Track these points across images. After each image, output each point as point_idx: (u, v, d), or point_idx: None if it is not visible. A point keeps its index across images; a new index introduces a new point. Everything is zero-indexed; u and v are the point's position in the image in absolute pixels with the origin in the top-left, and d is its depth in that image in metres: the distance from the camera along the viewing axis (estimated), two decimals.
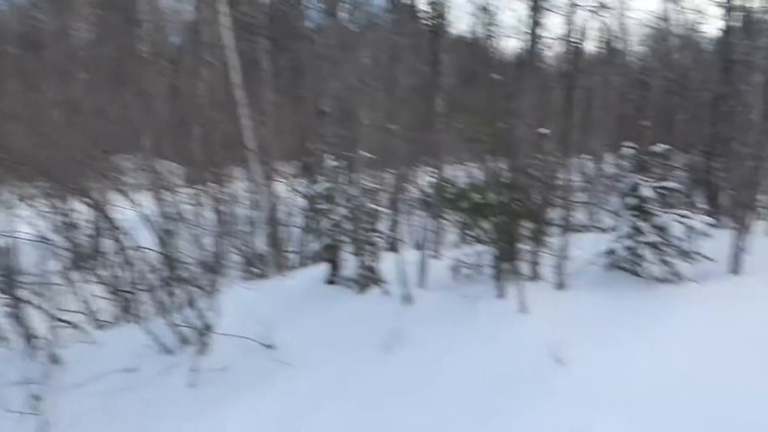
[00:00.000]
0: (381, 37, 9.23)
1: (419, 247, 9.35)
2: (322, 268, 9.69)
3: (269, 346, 6.98)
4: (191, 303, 8.17)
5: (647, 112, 13.94)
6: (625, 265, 7.48)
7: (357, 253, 8.27)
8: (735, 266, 7.70)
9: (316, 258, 12.43)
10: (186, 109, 17.04)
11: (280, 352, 6.82)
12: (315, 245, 10.19)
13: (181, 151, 18.91)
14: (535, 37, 9.85)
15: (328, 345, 6.98)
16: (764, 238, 9.91)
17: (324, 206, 8.75)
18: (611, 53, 19.83)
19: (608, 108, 16.18)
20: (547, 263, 7.62)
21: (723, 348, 5.30)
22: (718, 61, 13.29)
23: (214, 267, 11.10)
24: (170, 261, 8.93)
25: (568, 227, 7.96)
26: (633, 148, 8.00)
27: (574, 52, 10.66)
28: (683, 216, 7.42)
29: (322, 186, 9.00)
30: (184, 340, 7.44)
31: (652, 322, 5.99)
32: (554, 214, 8.12)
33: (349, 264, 8.75)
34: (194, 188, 15.84)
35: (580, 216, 13.77)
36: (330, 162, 8.97)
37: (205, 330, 7.39)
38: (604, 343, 5.68)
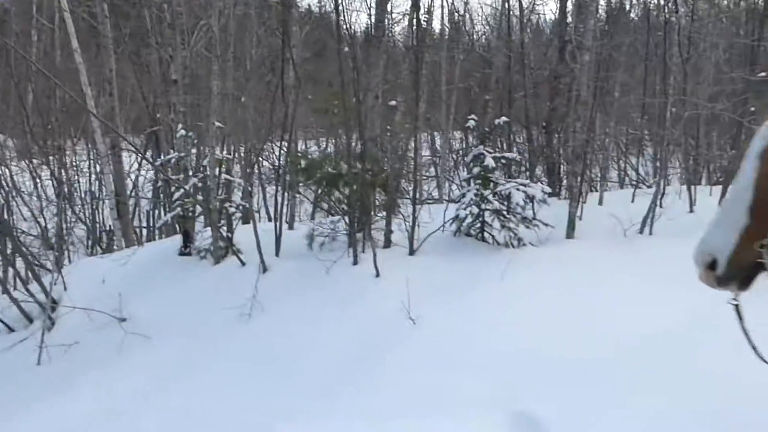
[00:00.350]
0: (230, 6, 9.06)
1: (274, 217, 9.42)
2: (175, 240, 9.54)
3: (122, 319, 6.85)
4: (35, 278, 7.83)
5: (490, 88, 14.69)
6: (471, 231, 7.94)
7: (210, 224, 8.21)
8: (570, 232, 8.39)
9: (168, 230, 12.18)
10: (17, 76, 15.93)
11: (134, 325, 6.71)
12: (166, 217, 9.95)
13: (13, 122, 17.74)
14: (382, 12, 10.12)
15: (185, 316, 6.95)
16: (596, 207, 10.87)
17: (175, 177, 8.60)
18: (456, 31, 20.62)
19: (454, 83, 16.85)
20: (399, 231, 7.93)
21: (556, 302, 5.82)
22: (555, 41, 14.23)
23: (56, 242, 10.62)
24: (5, 236, 8.48)
25: (419, 197, 8.32)
26: (476, 120, 8.47)
27: (419, 28, 11.04)
28: (523, 185, 7.97)
29: (172, 157, 8.84)
30: (28, 317, 7.13)
31: (495, 283, 6.44)
32: (405, 184, 8.46)
33: (203, 235, 8.68)
34: (31, 161, 14.98)
35: (431, 188, 14.37)
36: (181, 132, 8.81)
37: (51, 305, 7.12)
38: (452, 304, 6.04)
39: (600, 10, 13.02)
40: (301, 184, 8.46)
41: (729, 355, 3.77)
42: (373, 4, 10.91)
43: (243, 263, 7.83)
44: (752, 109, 10.48)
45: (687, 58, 10.30)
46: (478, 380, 4.54)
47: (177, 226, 9.37)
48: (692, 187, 10.52)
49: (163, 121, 11.39)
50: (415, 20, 10.06)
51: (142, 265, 8.65)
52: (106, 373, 6.00)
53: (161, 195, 11.02)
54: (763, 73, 10.19)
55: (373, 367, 5.11)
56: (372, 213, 8.04)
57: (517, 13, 16.29)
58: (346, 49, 8.72)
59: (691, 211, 9.90)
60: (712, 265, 2.23)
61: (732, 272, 2.23)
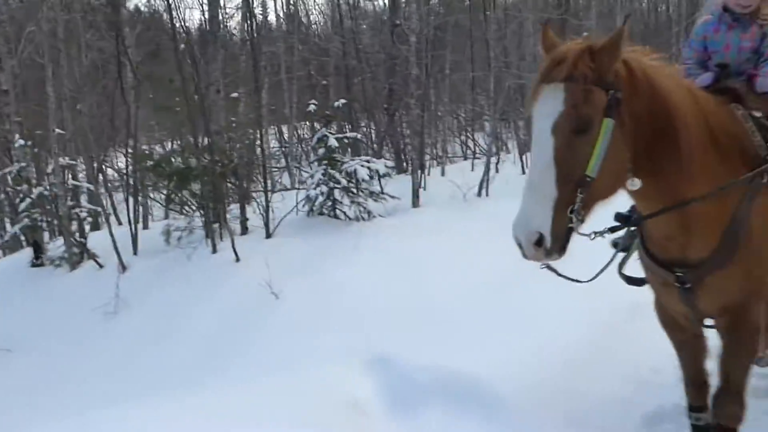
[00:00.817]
0: (56, 11, 8.88)
1: (128, 218, 9.41)
2: (23, 254, 9.34)
3: None
4: None
5: (329, 75, 15.13)
6: (324, 210, 8.38)
7: (62, 232, 8.16)
8: (415, 201, 9.03)
9: (15, 246, 11.76)
10: None
11: None
12: (12, 230, 9.66)
13: None
14: (216, 8, 10.31)
15: (47, 324, 6.93)
16: (439, 178, 11.65)
17: (18, 188, 8.46)
18: (291, 21, 20.90)
19: (293, 73, 17.15)
20: (255, 218, 8.23)
21: (404, 262, 6.37)
22: (388, 25, 14.86)
23: None
24: None
25: (271, 184, 8.65)
26: (316, 105, 8.90)
27: (254, 21, 11.26)
28: (367, 161, 8.50)
29: (12, 168, 8.67)
30: None
31: (349, 253, 6.90)
32: (257, 173, 8.74)
33: (55, 244, 8.59)
34: None
35: (283, 178, 14.66)
36: (19, 142, 8.65)
37: None
38: (311, 276, 6.45)
39: None
40: (150, 185, 8.53)
41: (550, 295, 4.48)
42: (206, 0, 10.98)
43: (101, 266, 7.87)
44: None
45: (503, 34, 11.21)
46: (338, 336, 4.98)
47: (24, 238, 9.16)
48: (525, 153, 11.53)
49: None
50: (248, 13, 10.22)
51: None
52: None
53: (7, 208, 10.58)
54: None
55: (241, 339, 5.44)
56: (226, 203, 8.29)
57: (350, 0, 16.86)
58: (183, 46, 8.80)
59: (524, 173, 10.85)
60: (539, 242, 2.34)
61: (556, 243, 2.37)
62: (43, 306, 7.30)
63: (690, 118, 2.75)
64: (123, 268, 7.48)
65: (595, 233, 2.55)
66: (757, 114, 3.17)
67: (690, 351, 3.31)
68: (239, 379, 4.55)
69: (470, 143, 17.37)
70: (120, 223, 12.11)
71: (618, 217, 3.23)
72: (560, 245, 2.38)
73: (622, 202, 2.90)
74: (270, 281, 6.14)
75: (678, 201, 2.74)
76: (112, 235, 7.63)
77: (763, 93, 3.34)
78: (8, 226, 10.99)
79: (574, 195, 2.38)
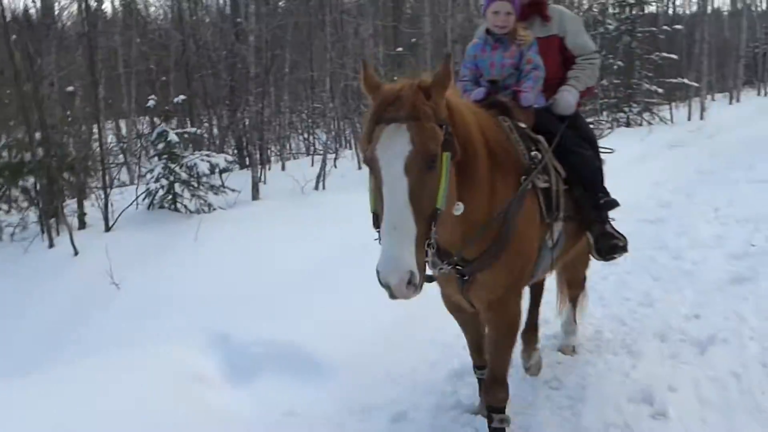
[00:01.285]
0: None
1: None
2: None
3: None
4: None
5: (169, 70, 15.04)
6: (164, 203, 8.55)
7: None
8: (255, 194, 9.39)
9: None
10: None
11: None
12: None
13: None
14: None
15: None
16: (279, 172, 12.07)
17: None
18: (129, 14, 20.45)
19: (132, 67, 16.87)
20: (93, 212, 8.26)
21: (242, 250, 6.75)
22: (229, 23, 15.04)
23: None
24: None
25: (109, 179, 8.68)
26: (155, 99, 9.04)
27: (89, 13, 11.08)
28: (207, 156, 8.77)
29: None
30: None
31: (189, 244, 7.17)
32: (94, 167, 8.73)
33: None
34: None
35: (121, 173, 14.46)
36: None
37: None
38: (152, 266, 6.66)
39: None
40: None
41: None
42: None
43: None
44: (395, 78, 12.38)
45: (338, 37, 11.78)
46: (179, 319, 5.27)
47: None
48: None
49: None
50: (84, 4, 10.03)
51: None
52: None
53: None
54: (400, 49, 12.07)
55: (82, 325, 5.60)
56: (63, 197, 8.25)
57: None
58: (14, 37, 8.61)
59: (360, 168, 11.49)
60: (410, 281, 2.43)
61: (421, 278, 2.50)
62: None
63: (479, 145, 2.98)
64: None
65: (440, 269, 2.91)
66: (522, 125, 3.55)
67: (470, 327, 3.77)
68: (79, 357, 4.74)
69: (312, 140, 17.90)
70: None
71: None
72: (424, 279, 2.54)
73: None
74: (111, 272, 6.30)
75: (472, 219, 2.96)
76: None
77: (527, 106, 3.72)
78: None
79: (429, 229, 2.54)
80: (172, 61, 14.57)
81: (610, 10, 20.34)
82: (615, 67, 18.98)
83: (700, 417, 3.77)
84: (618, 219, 4.07)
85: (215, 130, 15.23)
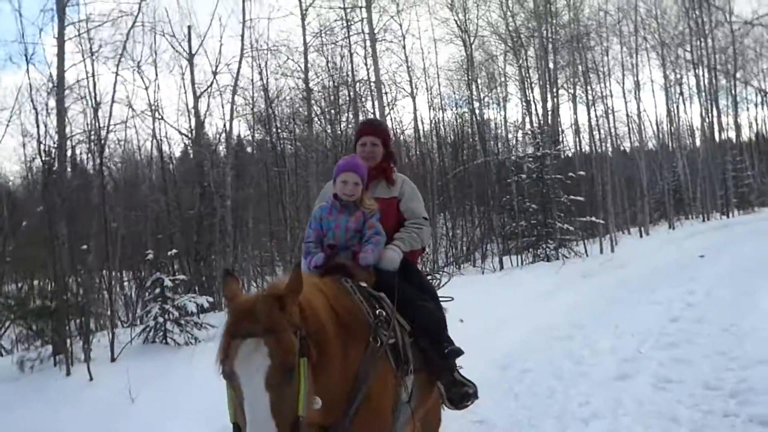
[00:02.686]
0: None
1: None
2: None
3: None
4: None
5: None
6: (156, 338, 9.90)
7: None
8: None
9: None
10: None
11: None
12: None
13: None
14: None
15: None
16: None
17: None
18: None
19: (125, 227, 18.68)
20: (95, 346, 9.54)
21: None
22: (194, 187, 16.81)
23: None
24: None
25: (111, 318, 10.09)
26: (152, 253, 10.60)
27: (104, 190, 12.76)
28: (194, 298, 10.25)
29: None
30: None
31: (186, 367, 8.48)
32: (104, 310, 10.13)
33: None
34: None
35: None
36: None
37: None
38: (158, 387, 7.96)
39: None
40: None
41: None
42: None
43: None
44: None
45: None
46: (188, 421, 6.62)
47: None
48: None
49: None
50: (100, 182, 11.68)
51: None
52: None
53: None
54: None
55: None
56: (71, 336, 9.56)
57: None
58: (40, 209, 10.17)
59: None
60: None
61: None
62: None
63: (329, 326, 3.01)
64: None
65: None
66: (363, 284, 3.63)
67: None
68: None
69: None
70: None
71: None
72: None
73: None
74: (129, 387, 7.51)
75: (331, 396, 2.94)
76: None
77: (366, 266, 3.88)
78: None
79: None
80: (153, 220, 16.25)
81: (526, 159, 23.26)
82: (530, 209, 21.58)
83: None
84: (535, 337, 5.35)
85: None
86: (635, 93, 35.90)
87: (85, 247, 9.66)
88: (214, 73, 17.67)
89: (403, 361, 3.49)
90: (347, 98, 24.75)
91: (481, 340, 9.93)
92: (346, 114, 25.32)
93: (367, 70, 24.19)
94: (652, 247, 23.98)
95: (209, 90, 17.57)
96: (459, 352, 3.96)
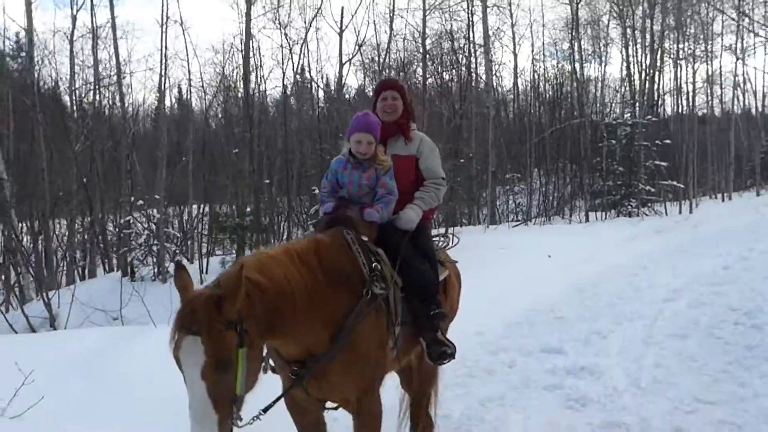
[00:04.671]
0: None
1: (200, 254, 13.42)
2: (112, 273, 13.40)
3: None
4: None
5: None
6: None
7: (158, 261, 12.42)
8: None
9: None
10: None
11: None
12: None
13: None
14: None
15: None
16: None
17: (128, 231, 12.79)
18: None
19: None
20: None
21: None
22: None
23: None
24: None
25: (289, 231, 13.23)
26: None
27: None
28: None
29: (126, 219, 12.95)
30: None
31: None
32: None
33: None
34: None
35: None
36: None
37: None
38: None
39: None
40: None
41: None
42: None
43: None
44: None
45: None
46: None
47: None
48: None
49: None
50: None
51: None
52: None
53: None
54: None
55: None
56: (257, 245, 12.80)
57: None
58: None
59: None
60: None
61: None
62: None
63: (297, 286, 3.16)
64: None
65: (254, 418, 2.95)
66: (364, 238, 3.73)
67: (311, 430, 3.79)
68: None
69: None
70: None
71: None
72: None
73: None
74: None
75: (312, 342, 3.27)
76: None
77: (371, 221, 3.93)
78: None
79: (231, 410, 2.76)
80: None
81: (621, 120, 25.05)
82: (617, 171, 23.77)
83: None
84: (608, 273, 7.35)
85: None
86: (742, 57, 35.19)
87: (267, 181, 12.85)
88: (359, 45, 20.89)
89: (392, 313, 3.64)
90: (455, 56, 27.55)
91: (564, 271, 12.65)
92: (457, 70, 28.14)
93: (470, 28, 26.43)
94: (731, 211, 25.39)
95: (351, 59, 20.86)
96: (443, 315, 4.09)
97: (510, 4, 29.88)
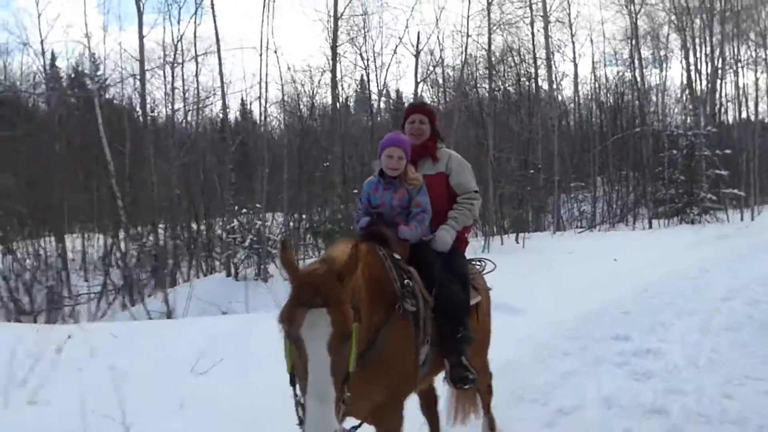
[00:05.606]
0: None
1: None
2: (217, 274, 14.99)
3: None
4: None
5: None
6: None
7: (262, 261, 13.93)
8: None
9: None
10: None
11: None
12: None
13: None
14: None
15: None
16: None
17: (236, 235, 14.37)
18: None
19: None
20: None
21: None
22: None
23: None
24: None
25: None
26: None
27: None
28: None
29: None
30: None
31: None
32: None
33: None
34: None
35: None
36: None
37: None
38: None
39: None
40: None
41: None
42: None
43: None
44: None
45: None
46: None
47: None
48: None
49: None
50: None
51: None
52: None
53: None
54: None
55: None
56: None
57: None
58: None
59: None
60: None
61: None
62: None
63: (364, 294, 3.19)
64: None
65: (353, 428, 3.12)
66: (397, 256, 3.71)
67: None
68: None
69: None
70: None
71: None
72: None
73: None
74: None
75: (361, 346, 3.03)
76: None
77: (404, 240, 3.91)
78: None
79: (344, 389, 2.80)
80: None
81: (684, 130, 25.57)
82: (679, 180, 24.43)
83: None
84: (669, 276, 8.22)
85: None
86: None
87: (355, 191, 14.28)
88: (435, 66, 22.69)
89: (421, 330, 3.62)
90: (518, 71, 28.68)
91: (629, 273, 13.57)
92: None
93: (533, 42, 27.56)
94: None
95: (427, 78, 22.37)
96: (470, 339, 4.05)
97: (569, 15, 30.56)
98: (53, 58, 27.94)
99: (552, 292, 11.17)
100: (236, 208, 16.06)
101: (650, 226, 24.90)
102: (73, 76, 28.17)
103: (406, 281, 3.58)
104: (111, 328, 8.13)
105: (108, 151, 17.34)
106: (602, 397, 5.90)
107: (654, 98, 33.84)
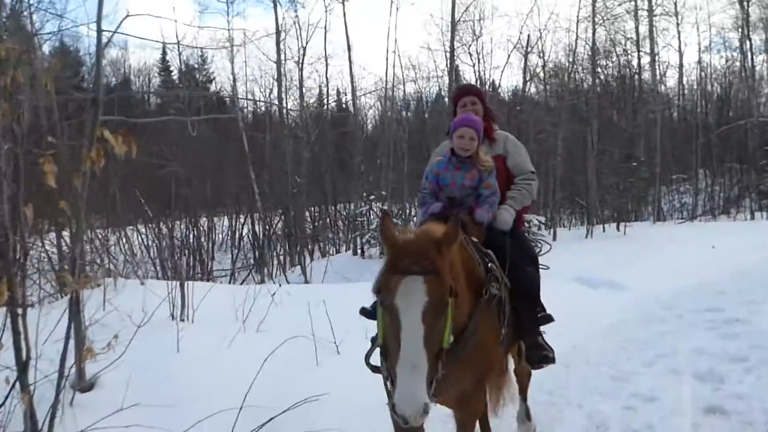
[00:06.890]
0: None
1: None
2: (343, 253, 16.77)
3: None
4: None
5: None
6: None
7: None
8: None
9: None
10: None
11: None
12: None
13: None
14: None
15: None
16: None
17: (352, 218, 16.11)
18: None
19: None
20: None
21: None
22: None
23: None
24: None
25: None
26: None
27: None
28: None
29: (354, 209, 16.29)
30: None
31: None
32: None
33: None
34: None
35: None
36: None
37: None
38: None
39: None
40: None
41: None
42: None
43: None
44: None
45: None
46: None
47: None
48: None
49: None
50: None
51: None
52: None
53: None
54: None
55: None
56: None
57: None
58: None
59: None
60: (425, 410, 2.56)
61: (429, 405, 2.60)
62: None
63: (462, 277, 3.13)
64: None
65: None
66: (475, 240, 3.70)
67: None
68: None
69: None
70: None
71: (364, 311, 3.63)
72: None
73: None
74: None
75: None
76: None
77: (480, 223, 3.90)
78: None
79: (437, 364, 2.70)
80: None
81: None
82: None
83: None
84: (765, 263, 9.07)
85: None
86: None
87: None
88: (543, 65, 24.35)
89: (502, 313, 3.58)
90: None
91: (727, 259, 14.25)
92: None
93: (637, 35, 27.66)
94: None
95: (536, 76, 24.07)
96: (550, 319, 4.05)
97: (675, 4, 30.24)
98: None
99: (651, 273, 12.16)
100: (364, 194, 17.92)
101: (752, 217, 25.03)
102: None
103: (489, 264, 3.56)
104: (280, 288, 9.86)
105: (246, 143, 19.58)
106: (693, 348, 7.02)
107: (765, 88, 32.79)
